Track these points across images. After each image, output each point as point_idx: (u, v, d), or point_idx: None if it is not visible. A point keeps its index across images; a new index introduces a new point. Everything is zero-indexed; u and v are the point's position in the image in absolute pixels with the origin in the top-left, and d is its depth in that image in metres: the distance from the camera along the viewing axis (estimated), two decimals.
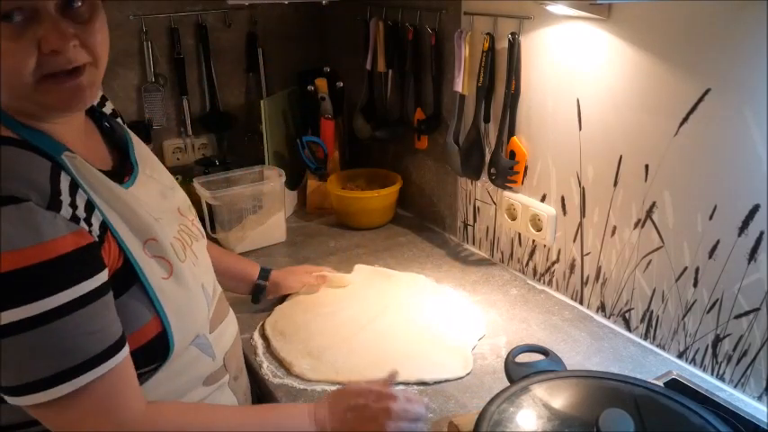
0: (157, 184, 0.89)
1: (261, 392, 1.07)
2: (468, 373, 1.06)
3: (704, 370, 1.06)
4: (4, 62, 0.66)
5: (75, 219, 0.69)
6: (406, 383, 1.03)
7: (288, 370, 1.07)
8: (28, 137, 0.71)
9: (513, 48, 1.24)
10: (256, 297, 1.23)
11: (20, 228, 0.63)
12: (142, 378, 0.77)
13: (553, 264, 1.33)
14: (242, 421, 0.83)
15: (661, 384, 0.92)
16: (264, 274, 1.24)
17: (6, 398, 0.67)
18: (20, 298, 0.63)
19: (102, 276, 0.70)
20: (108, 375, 0.69)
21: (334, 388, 1.02)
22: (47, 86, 0.69)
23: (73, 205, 0.70)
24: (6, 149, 0.67)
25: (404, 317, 1.21)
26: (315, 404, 0.87)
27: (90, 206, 0.72)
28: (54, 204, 0.67)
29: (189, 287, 0.83)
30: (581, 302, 1.28)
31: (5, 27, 0.65)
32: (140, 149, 0.90)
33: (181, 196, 0.95)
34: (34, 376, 0.65)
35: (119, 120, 0.94)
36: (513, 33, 1.24)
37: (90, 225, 0.71)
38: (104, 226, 0.74)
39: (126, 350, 0.72)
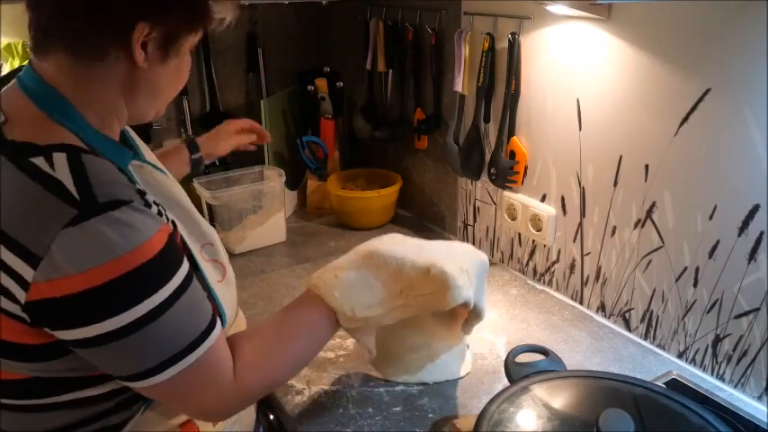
0: (180, 191, 0.90)
1: None
2: (467, 374, 1.06)
3: (704, 370, 1.06)
4: (187, 74, 0.80)
5: (159, 213, 0.73)
6: (407, 384, 1.03)
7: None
8: (98, 144, 0.72)
9: (513, 48, 1.24)
10: (197, 169, 1.28)
11: (130, 229, 0.65)
12: None
13: (553, 264, 1.33)
14: (310, 336, 0.86)
15: (661, 384, 0.92)
16: (194, 147, 1.28)
17: (123, 383, 0.72)
18: (134, 299, 0.66)
19: (186, 264, 0.73)
20: (210, 348, 0.73)
21: (333, 388, 1.03)
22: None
23: (153, 203, 0.73)
24: (88, 157, 0.68)
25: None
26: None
27: (160, 209, 0.75)
28: (147, 202, 0.70)
29: (233, 290, 0.88)
30: (581, 302, 1.28)
31: (189, 53, 0.79)
32: (146, 153, 0.91)
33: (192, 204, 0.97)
34: (151, 363, 0.69)
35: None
36: (513, 33, 1.24)
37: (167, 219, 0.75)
38: (175, 226, 0.77)
39: (219, 322, 0.76)
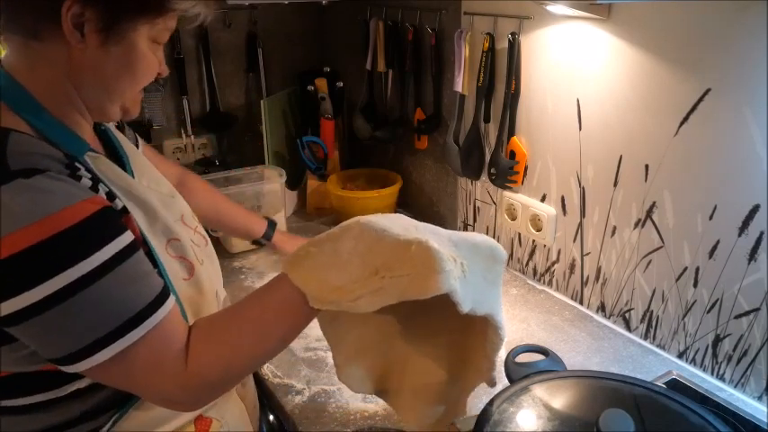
0: (157, 194, 0.87)
1: (261, 392, 1.07)
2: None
3: (704, 370, 1.06)
4: (145, 67, 0.76)
5: (94, 189, 0.69)
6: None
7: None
8: (48, 131, 0.71)
9: (513, 48, 1.24)
10: (257, 242, 1.30)
11: (43, 195, 0.63)
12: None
13: (553, 264, 1.33)
14: (275, 318, 0.76)
15: (661, 384, 0.92)
16: (268, 233, 1.29)
17: (62, 367, 0.67)
18: (51, 268, 0.62)
19: (128, 236, 0.69)
20: (155, 329, 0.68)
21: (333, 388, 1.03)
22: (137, 96, 0.79)
23: (94, 185, 0.70)
24: (16, 135, 0.67)
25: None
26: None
27: (111, 195, 0.72)
28: (74, 175, 0.67)
29: (205, 291, 0.84)
30: (581, 302, 1.28)
31: (153, 44, 0.77)
32: (136, 160, 0.89)
33: (182, 204, 0.94)
34: (83, 342, 0.65)
35: (115, 128, 0.93)
36: (513, 33, 1.24)
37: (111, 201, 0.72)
38: (126, 211, 0.74)
39: (171, 300, 0.71)
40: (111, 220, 0.68)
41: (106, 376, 0.70)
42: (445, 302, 0.71)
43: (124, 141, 0.90)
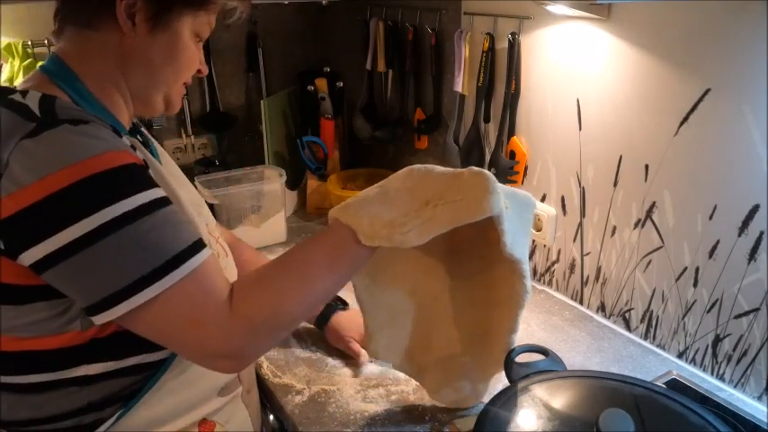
0: (187, 195, 0.88)
1: (261, 392, 1.07)
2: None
3: (704, 370, 1.06)
4: (188, 58, 0.82)
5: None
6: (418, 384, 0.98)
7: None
8: (92, 110, 0.74)
9: (513, 48, 1.24)
10: (319, 325, 1.14)
11: (89, 138, 0.66)
12: (157, 375, 0.77)
13: (553, 264, 1.33)
14: (317, 263, 0.76)
15: (661, 384, 0.92)
16: (329, 311, 1.13)
17: (99, 315, 0.67)
18: (93, 205, 0.64)
19: (161, 191, 0.70)
20: (197, 271, 0.68)
21: (333, 388, 1.03)
22: (180, 89, 0.85)
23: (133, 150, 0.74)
24: (63, 101, 0.71)
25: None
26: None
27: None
28: (117, 133, 0.72)
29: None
30: (581, 302, 1.28)
31: (195, 38, 0.82)
32: (169, 166, 0.92)
33: (207, 213, 0.97)
34: (123, 282, 0.65)
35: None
36: (513, 33, 1.24)
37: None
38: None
39: (209, 251, 0.71)
40: (145, 173, 0.71)
41: (144, 324, 0.68)
42: (479, 265, 0.81)
43: (159, 148, 0.93)
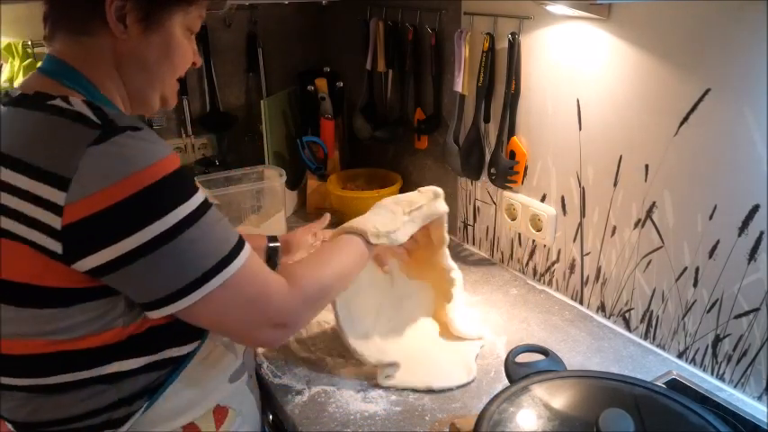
0: None
1: (261, 392, 1.07)
2: (471, 381, 1.05)
3: (704, 370, 1.06)
4: (182, 54, 0.83)
5: None
6: (416, 390, 1.02)
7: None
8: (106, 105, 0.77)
9: (513, 48, 1.24)
10: (273, 260, 1.23)
11: (149, 144, 0.70)
12: (185, 359, 0.82)
13: (553, 264, 1.33)
14: (342, 254, 0.96)
15: (661, 384, 0.92)
16: (273, 237, 1.25)
17: (159, 311, 0.72)
18: (160, 210, 0.68)
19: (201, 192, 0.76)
20: (250, 259, 0.77)
21: (333, 388, 1.03)
22: (174, 84, 0.86)
23: None
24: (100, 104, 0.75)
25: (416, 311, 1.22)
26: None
27: None
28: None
29: None
30: (581, 302, 1.28)
31: (187, 33, 0.83)
32: None
33: None
34: (191, 276, 0.71)
35: None
36: (513, 33, 1.24)
37: None
38: None
39: (248, 246, 0.78)
40: (189, 175, 0.76)
41: (204, 313, 0.74)
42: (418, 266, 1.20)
43: None
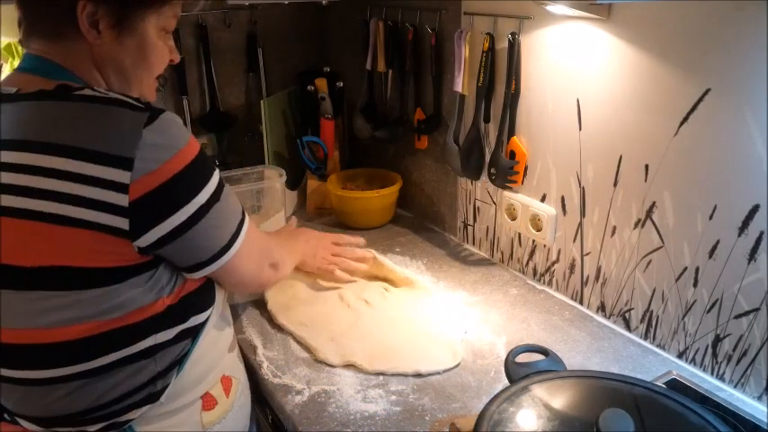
0: None
1: (261, 392, 1.07)
2: (457, 365, 1.07)
3: (704, 370, 1.06)
4: (158, 55, 0.85)
5: None
6: (405, 374, 1.05)
7: (313, 356, 1.12)
8: None
9: (513, 48, 1.24)
10: None
11: (180, 125, 0.77)
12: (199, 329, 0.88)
13: (553, 264, 1.33)
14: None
15: (661, 384, 0.92)
16: None
17: (201, 271, 0.83)
18: (203, 179, 0.78)
19: None
20: (251, 226, 0.91)
21: (333, 388, 1.03)
22: (153, 83, 0.90)
23: None
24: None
25: (393, 310, 1.25)
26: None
27: None
28: None
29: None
30: (581, 302, 1.28)
31: (162, 33, 0.85)
32: None
33: None
34: (224, 241, 0.83)
35: None
36: (513, 33, 1.24)
37: None
38: None
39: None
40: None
41: (232, 267, 0.86)
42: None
43: None
